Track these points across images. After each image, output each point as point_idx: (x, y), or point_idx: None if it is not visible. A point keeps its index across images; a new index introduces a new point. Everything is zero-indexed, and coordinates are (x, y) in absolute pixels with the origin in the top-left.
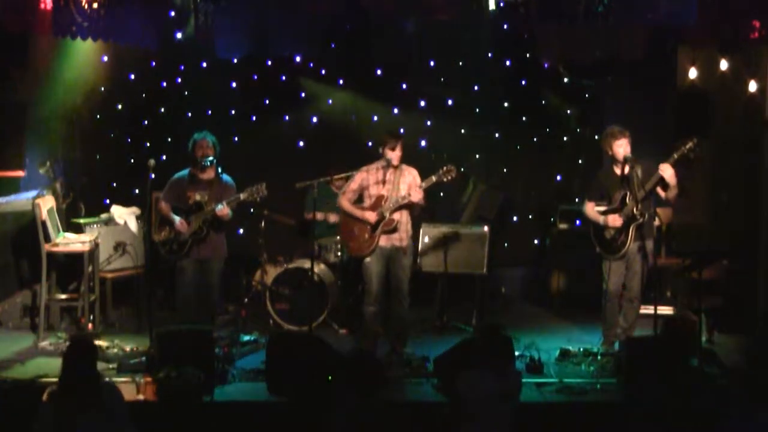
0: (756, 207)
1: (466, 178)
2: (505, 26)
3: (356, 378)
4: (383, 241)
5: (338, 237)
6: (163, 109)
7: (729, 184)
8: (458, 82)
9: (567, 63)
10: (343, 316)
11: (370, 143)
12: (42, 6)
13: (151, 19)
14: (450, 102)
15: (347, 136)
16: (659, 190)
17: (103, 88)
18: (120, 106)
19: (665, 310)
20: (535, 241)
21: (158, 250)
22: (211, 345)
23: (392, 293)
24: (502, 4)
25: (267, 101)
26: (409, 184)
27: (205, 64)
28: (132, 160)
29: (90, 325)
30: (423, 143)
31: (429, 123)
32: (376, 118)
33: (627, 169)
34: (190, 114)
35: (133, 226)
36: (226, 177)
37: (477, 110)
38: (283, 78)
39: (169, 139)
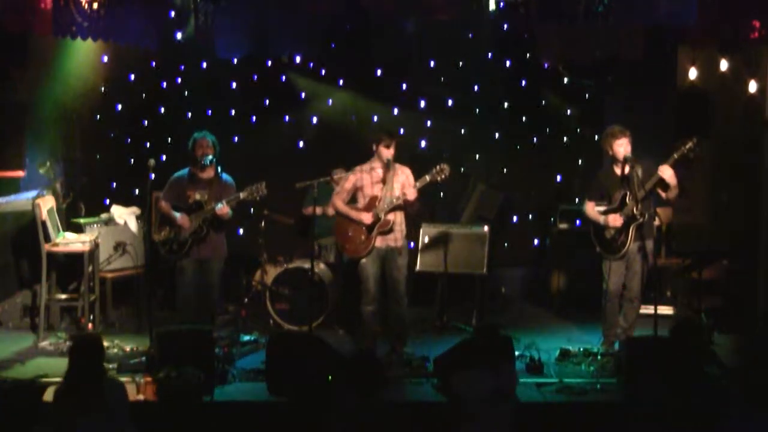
0: (756, 207)
1: (467, 178)
2: (505, 26)
3: (357, 378)
4: (378, 241)
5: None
6: (163, 109)
7: (729, 184)
8: (458, 82)
9: (567, 63)
10: (343, 316)
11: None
12: (42, 6)
13: (151, 19)
14: (450, 102)
15: (347, 136)
16: (659, 190)
17: (103, 88)
18: (120, 106)
19: (665, 310)
20: (535, 241)
21: (158, 250)
22: (211, 345)
23: (389, 294)
24: (502, 4)
25: (267, 101)
26: (403, 183)
27: (205, 64)
28: (132, 160)
29: (90, 325)
30: (423, 143)
31: (429, 123)
32: (376, 118)
33: (627, 169)
34: (190, 114)
35: (133, 226)
36: (225, 176)
37: (477, 110)
38: (283, 78)
39: (169, 139)
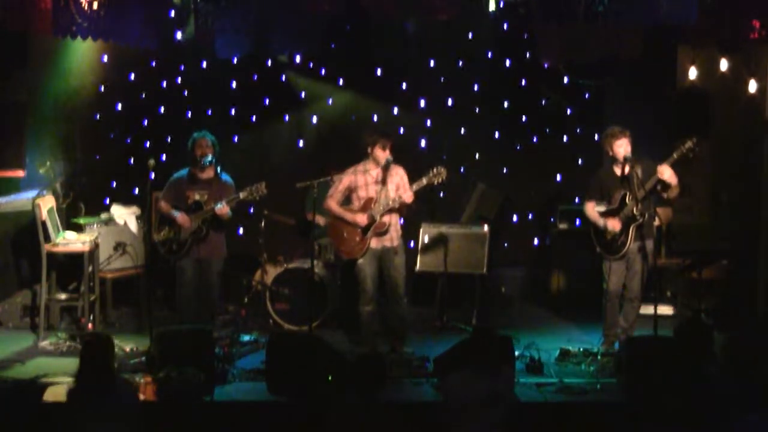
0: (756, 207)
1: (467, 178)
2: (505, 26)
3: (359, 378)
4: (374, 242)
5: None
6: (163, 109)
7: (729, 184)
8: (458, 82)
9: (567, 63)
10: (343, 316)
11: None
12: (42, 6)
13: (151, 19)
14: (450, 102)
15: (347, 136)
16: (660, 190)
17: (103, 88)
18: (120, 106)
19: (665, 310)
20: (535, 241)
21: (158, 250)
22: (211, 345)
23: (388, 294)
24: (502, 4)
25: (267, 101)
26: (397, 184)
27: (205, 64)
28: (132, 160)
29: (90, 325)
30: (423, 143)
31: (429, 123)
32: (376, 118)
33: (627, 169)
34: (190, 114)
35: (133, 226)
36: (225, 176)
37: (477, 110)
38: (283, 78)
39: (169, 139)
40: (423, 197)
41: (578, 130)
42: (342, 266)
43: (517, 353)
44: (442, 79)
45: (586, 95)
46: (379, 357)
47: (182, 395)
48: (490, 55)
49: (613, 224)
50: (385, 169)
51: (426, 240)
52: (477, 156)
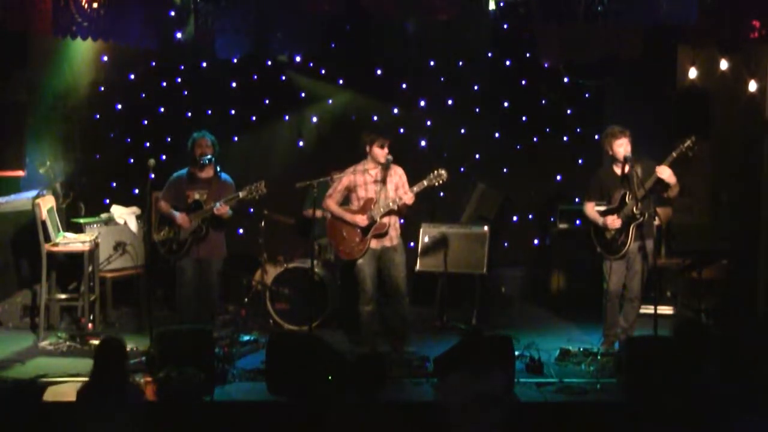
0: (756, 207)
1: (467, 178)
2: (505, 26)
3: (361, 378)
4: (374, 243)
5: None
6: (163, 109)
7: (729, 184)
8: (458, 82)
9: (567, 63)
10: (343, 316)
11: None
12: (42, 6)
13: (151, 19)
14: (450, 102)
15: (347, 136)
16: (660, 189)
17: (103, 88)
18: (120, 106)
19: (665, 310)
20: (535, 241)
21: (157, 250)
22: (211, 345)
23: (390, 293)
24: (502, 4)
25: (267, 101)
26: (396, 183)
27: (205, 64)
28: (132, 160)
29: (90, 325)
30: (423, 143)
31: (429, 123)
32: (376, 118)
33: (627, 168)
34: (190, 114)
35: (133, 226)
36: (224, 176)
37: (477, 110)
38: (283, 78)
39: (169, 139)
40: (423, 197)
41: (578, 130)
42: (342, 266)
43: (517, 353)
44: (442, 79)
45: (586, 95)
46: (379, 357)
47: (182, 395)
48: (490, 55)
49: (613, 221)
50: (385, 168)
51: (426, 240)
52: (477, 156)
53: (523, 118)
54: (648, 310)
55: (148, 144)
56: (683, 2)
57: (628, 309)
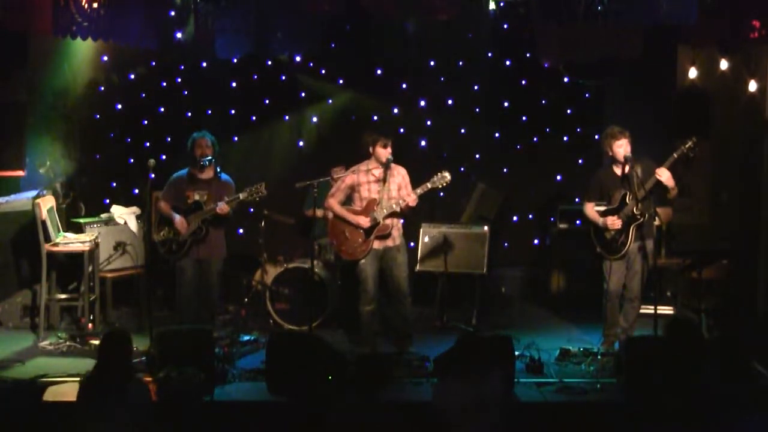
0: (756, 207)
1: (467, 178)
2: (505, 26)
3: (363, 377)
4: (376, 243)
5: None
6: (163, 109)
7: (729, 184)
8: (458, 82)
9: (567, 63)
10: (343, 316)
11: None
12: (42, 6)
13: (151, 19)
14: (450, 102)
15: (347, 136)
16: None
17: (103, 88)
18: (120, 106)
19: (665, 310)
20: (535, 241)
21: (157, 250)
22: (211, 345)
23: (392, 293)
24: (502, 4)
25: (267, 101)
26: (399, 184)
27: (205, 64)
28: (132, 160)
29: (90, 325)
30: (423, 143)
31: (429, 123)
32: (376, 118)
33: (627, 168)
34: (190, 114)
35: (133, 226)
36: (225, 176)
37: (477, 110)
38: (283, 78)
39: (169, 139)
40: (423, 197)
41: (578, 130)
42: (342, 266)
43: (517, 353)
44: (442, 79)
45: (586, 95)
46: (380, 357)
47: (182, 395)
48: (490, 55)
49: (613, 222)
50: (386, 167)
51: (426, 240)
52: (477, 156)
53: (523, 118)
54: (648, 310)
55: (148, 144)
56: (683, 2)
57: (628, 309)
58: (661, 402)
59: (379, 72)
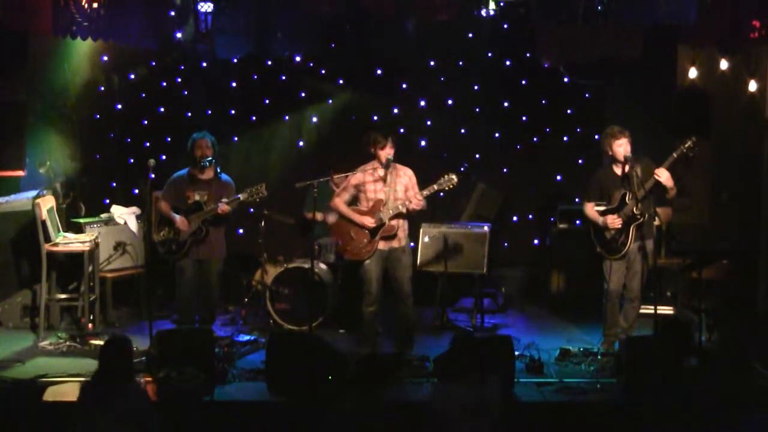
0: (756, 207)
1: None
2: (505, 26)
3: (364, 377)
4: (381, 244)
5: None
6: (163, 109)
7: (729, 184)
8: (458, 82)
9: (567, 63)
10: (343, 316)
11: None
12: (42, 5)
13: (151, 19)
14: (450, 102)
15: (347, 136)
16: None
17: (103, 88)
18: (120, 106)
19: (665, 310)
20: (535, 241)
21: (157, 250)
22: (211, 345)
23: (395, 294)
24: (502, 4)
25: (267, 101)
26: (405, 185)
27: (205, 64)
28: (132, 160)
29: (90, 325)
30: (423, 143)
31: (429, 123)
32: (376, 118)
33: (627, 168)
34: (190, 114)
35: (133, 225)
36: (225, 176)
37: (477, 110)
38: (283, 78)
39: (169, 139)
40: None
41: (578, 130)
42: (344, 266)
43: (517, 353)
44: (442, 79)
45: (586, 95)
46: (380, 357)
47: (182, 395)
48: (490, 55)
49: (613, 221)
50: (387, 167)
51: (426, 240)
52: (477, 156)
53: (523, 118)
54: (648, 310)
55: (148, 144)
56: (683, 2)
57: (628, 309)
58: (661, 402)
59: (379, 72)
